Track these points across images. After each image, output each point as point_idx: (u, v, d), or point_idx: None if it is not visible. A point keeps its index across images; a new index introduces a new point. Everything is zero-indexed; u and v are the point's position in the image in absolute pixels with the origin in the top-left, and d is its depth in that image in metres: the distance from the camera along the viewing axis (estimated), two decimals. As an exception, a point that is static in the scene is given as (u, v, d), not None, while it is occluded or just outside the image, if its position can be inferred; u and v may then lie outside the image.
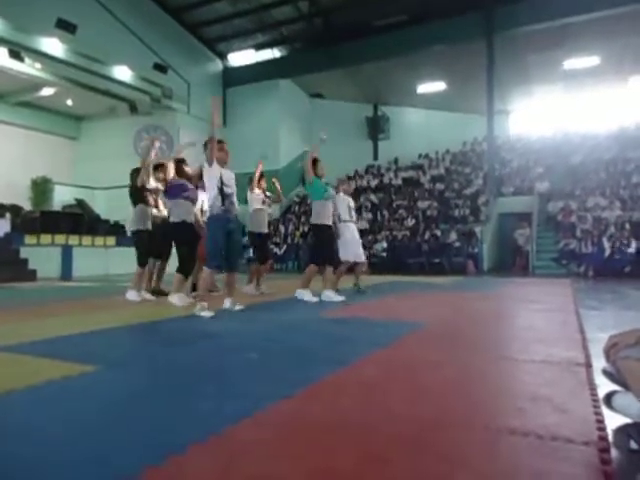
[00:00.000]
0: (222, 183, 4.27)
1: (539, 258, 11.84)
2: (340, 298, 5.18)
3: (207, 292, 4.49)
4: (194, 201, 5.30)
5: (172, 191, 5.10)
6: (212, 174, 4.33)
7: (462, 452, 1.35)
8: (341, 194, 6.12)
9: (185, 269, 5.08)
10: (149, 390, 1.98)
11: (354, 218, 6.18)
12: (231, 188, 4.37)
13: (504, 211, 14.02)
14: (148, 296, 5.59)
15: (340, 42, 15.91)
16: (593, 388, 1.90)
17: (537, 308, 4.81)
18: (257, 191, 6.16)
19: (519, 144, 17.19)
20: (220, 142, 4.49)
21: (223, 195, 4.27)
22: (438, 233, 13.03)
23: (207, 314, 4.06)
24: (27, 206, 12.79)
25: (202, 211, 5.51)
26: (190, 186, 5.22)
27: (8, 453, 1.34)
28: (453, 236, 12.67)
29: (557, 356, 2.49)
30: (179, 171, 5.18)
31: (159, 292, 5.84)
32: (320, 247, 5.38)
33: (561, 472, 1.22)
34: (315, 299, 5.13)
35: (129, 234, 6.03)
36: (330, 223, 5.44)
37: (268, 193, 6.36)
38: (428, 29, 14.44)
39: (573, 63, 14.55)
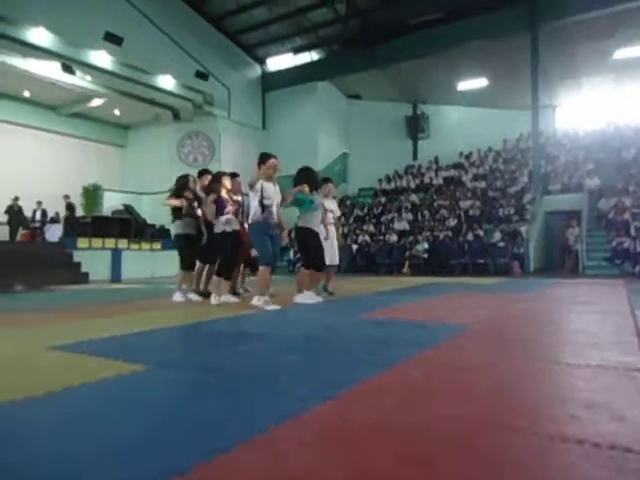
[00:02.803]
0: (263, 196, 4.79)
1: (590, 258, 11.33)
2: (318, 299, 5.31)
3: (266, 288, 4.91)
4: (236, 212, 5.50)
5: (217, 209, 5.34)
6: (256, 188, 4.88)
7: (511, 457, 1.31)
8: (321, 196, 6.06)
9: (224, 272, 5.30)
10: (196, 389, 2.03)
11: (332, 221, 6.16)
12: (271, 200, 4.87)
13: (551, 209, 13.51)
14: (195, 297, 5.75)
15: (377, 42, 15.83)
16: (653, 395, 1.80)
17: (589, 310, 4.60)
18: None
19: (566, 139, 16.52)
20: (269, 156, 4.96)
21: (263, 206, 4.80)
22: (481, 233, 12.70)
23: (273, 307, 4.62)
24: (79, 212, 13.44)
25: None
26: (230, 201, 5.43)
27: (63, 450, 1.41)
28: (497, 236, 12.32)
29: (613, 361, 2.37)
30: (216, 188, 5.38)
31: (206, 294, 6.00)
32: (306, 250, 5.46)
33: (620, 483, 1.16)
34: (319, 299, 5.30)
35: (173, 238, 6.25)
36: (318, 230, 5.49)
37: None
38: (466, 25, 14.13)
39: (624, 53, 13.84)
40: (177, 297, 5.64)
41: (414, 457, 1.30)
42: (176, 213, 5.79)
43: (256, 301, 4.93)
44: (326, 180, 6.27)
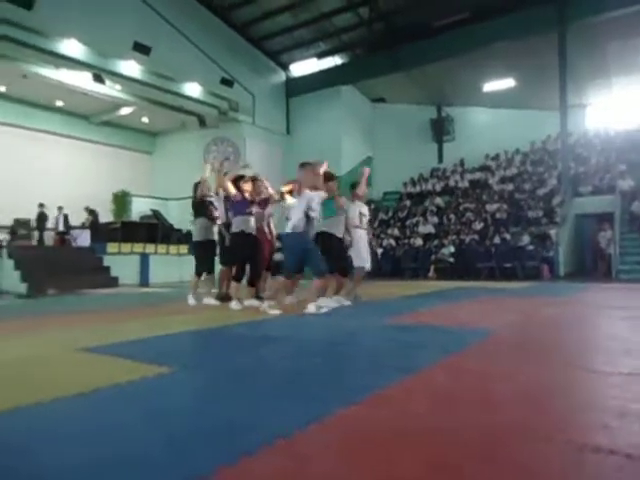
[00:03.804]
0: (309, 208, 4.69)
1: (623, 262, 10.97)
2: (334, 304, 5.12)
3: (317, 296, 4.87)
4: (254, 215, 5.50)
5: (236, 207, 5.35)
6: (302, 197, 4.78)
7: (540, 466, 1.27)
8: (356, 201, 5.91)
9: (249, 278, 5.29)
10: (220, 391, 2.05)
11: (365, 225, 6.01)
12: (316, 212, 4.75)
13: (582, 212, 13.14)
14: (212, 301, 5.81)
15: (401, 45, 15.75)
16: (691, 404, 1.72)
17: (622, 315, 4.45)
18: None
19: (597, 140, 16.05)
20: (308, 164, 4.90)
21: (308, 218, 4.70)
22: (508, 237, 12.45)
23: (324, 310, 4.63)
24: (110, 217, 13.78)
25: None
26: (251, 202, 5.44)
27: (90, 450, 1.44)
28: (525, 239, 12.05)
29: (647, 368, 2.29)
30: (239, 188, 5.40)
31: (227, 298, 6.06)
32: (330, 255, 5.28)
33: (655, 496, 1.11)
34: (334, 305, 5.10)
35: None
36: (341, 236, 5.43)
37: None
38: (492, 25, 13.91)
39: (659, 50, 13.38)
40: (191, 301, 5.74)
41: (444, 464, 1.28)
42: (197, 212, 5.88)
43: (234, 305, 5.08)
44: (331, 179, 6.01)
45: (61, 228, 13.28)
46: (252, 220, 5.41)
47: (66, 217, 13.44)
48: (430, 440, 1.45)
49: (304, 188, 4.74)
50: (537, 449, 1.37)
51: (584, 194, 13.44)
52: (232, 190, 5.34)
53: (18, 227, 13.17)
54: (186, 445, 1.42)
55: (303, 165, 4.91)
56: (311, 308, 4.68)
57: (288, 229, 4.81)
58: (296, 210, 4.77)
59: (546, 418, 1.65)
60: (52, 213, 13.22)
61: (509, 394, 1.95)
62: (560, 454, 1.34)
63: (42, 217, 12.83)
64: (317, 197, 4.76)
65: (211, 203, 5.94)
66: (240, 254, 5.36)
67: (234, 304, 5.19)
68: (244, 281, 5.61)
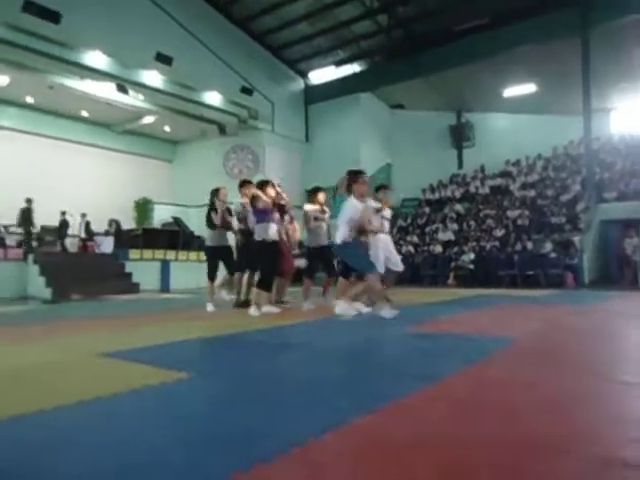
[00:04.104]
0: (350, 218, 4.58)
1: (651, 269, 10.65)
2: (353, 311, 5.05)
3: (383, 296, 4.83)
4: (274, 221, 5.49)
5: (258, 215, 5.34)
6: (348, 206, 4.64)
7: (564, 482, 1.23)
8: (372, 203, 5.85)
9: (264, 284, 5.29)
10: (237, 398, 2.05)
11: (386, 229, 5.94)
12: (358, 220, 4.65)
13: (607, 218, 12.82)
14: (225, 296, 5.95)
15: (420, 51, 15.70)
16: None
17: (650, 325, 4.31)
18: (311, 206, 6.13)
19: (622, 145, 15.68)
20: (360, 173, 4.73)
21: (350, 227, 4.60)
22: (529, 244, 12.22)
23: (391, 314, 4.45)
24: (132, 224, 14.02)
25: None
26: (272, 210, 5.43)
27: (107, 454, 1.45)
28: (548, 246, 11.81)
29: (677, 380, 2.20)
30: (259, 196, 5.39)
31: (245, 304, 6.08)
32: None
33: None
34: (365, 309, 5.10)
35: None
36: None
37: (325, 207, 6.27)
38: (512, 30, 13.76)
39: (685, 52, 13.04)
40: (209, 308, 5.78)
41: (460, 475, 1.24)
42: (211, 224, 5.90)
43: (252, 311, 5.07)
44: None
45: (83, 235, 13.56)
46: (274, 227, 5.38)
47: (88, 224, 13.70)
48: (447, 451, 1.41)
49: (356, 197, 4.61)
50: (559, 462, 1.32)
51: (609, 200, 13.12)
52: (263, 197, 5.31)
53: (44, 234, 13.48)
54: (202, 451, 1.42)
55: (357, 174, 4.75)
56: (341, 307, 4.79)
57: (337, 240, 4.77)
58: (341, 218, 4.70)
59: (570, 430, 1.60)
60: (75, 220, 13.50)
61: (531, 404, 1.89)
62: (584, 468, 1.29)
63: (64, 224, 13.10)
64: (360, 205, 4.66)
65: (228, 210, 5.97)
66: (262, 264, 5.36)
67: (252, 310, 5.18)
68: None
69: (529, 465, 1.31)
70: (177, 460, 1.37)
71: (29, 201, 11.99)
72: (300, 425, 1.64)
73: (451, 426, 1.64)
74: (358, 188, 4.56)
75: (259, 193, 5.34)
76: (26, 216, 12.06)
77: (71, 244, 13.34)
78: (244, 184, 6.09)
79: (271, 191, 5.46)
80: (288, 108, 17.93)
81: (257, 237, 5.35)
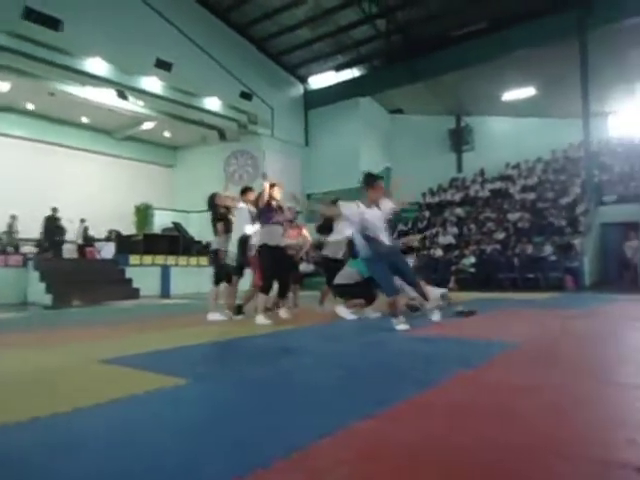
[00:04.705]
0: (364, 227, 4.28)
1: (651, 272, 10.64)
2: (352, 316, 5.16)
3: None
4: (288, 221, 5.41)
5: (263, 216, 5.25)
6: (353, 217, 4.35)
7: (563, 485, 1.22)
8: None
9: (262, 286, 5.20)
10: (236, 403, 2.05)
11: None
12: (373, 228, 4.30)
13: (607, 221, 12.83)
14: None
15: (419, 56, 15.76)
16: None
17: (651, 328, 4.30)
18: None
19: (621, 148, 15.71)
20: (379, 178, 4.48)
21: (367, 239, 4.30)
22: (530, 247, 12.21)
23: (403, 327, 4.19)
24: (132, 230, 14.04)
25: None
26: (279, 211, 5.33)
27: (106, 462, 1.45)
28: (548, 249, 11.81)
29: (677, 382, 2.20)
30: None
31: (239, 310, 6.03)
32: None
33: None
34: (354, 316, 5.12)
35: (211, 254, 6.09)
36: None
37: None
38: (511, 33, 13.82)
39: (684, 55, 13.07)
40: (215, 316, 5.49)
41: (457, 480, 1.25)
42: (216, 230, 5.81)
43: (260, 320, 4.91)
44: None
45: (81, 240, 13.55)
46: (278, 230, 5.25)
47: (86, 229, 13.68)
48: (446, 457, 1.41)
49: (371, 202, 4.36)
50: (559, 465, 1.32)
51: (608, 203, 13.13)
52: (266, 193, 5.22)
53: (45, 240, 13.49)
54: (200, 457, 1.42)
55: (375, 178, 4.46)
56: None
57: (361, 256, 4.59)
58: (353, 233, 4.56)
59: (570, 433, 1.60)
60: (74, 225, 13.49)
61: (531, 408, 1.89)
62: (585, 470, 1.29)
63: (56, 229, 13.05)
64: (373, 211, 4.37)
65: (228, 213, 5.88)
66: (263, 267, 5.24)
67: (260, 318, 4.99)
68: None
69: (529, 469, 1.32)
70: (175, 466, 1.37)
71: (54, 210, 12.59)
72: (299, 430, 1.64)
73: (451, 430, 1.63)
74: (373, 194, 4.33)
75: (265, 190, 5.28)
76: (51, 225, 12.48)
77: (67, 250, 13.28)
78: (246, 191, 6.06)
79: (276, 193, 5.35)
80: (288, 113, 17.99)
81: (260, 241, 5.22)
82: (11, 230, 12.77)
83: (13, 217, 12.85)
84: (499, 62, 14.53)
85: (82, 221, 13.65)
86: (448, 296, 6.00)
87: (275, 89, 17.58)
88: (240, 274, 5.98)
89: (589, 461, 1.35)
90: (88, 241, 13.75)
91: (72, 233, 13.53)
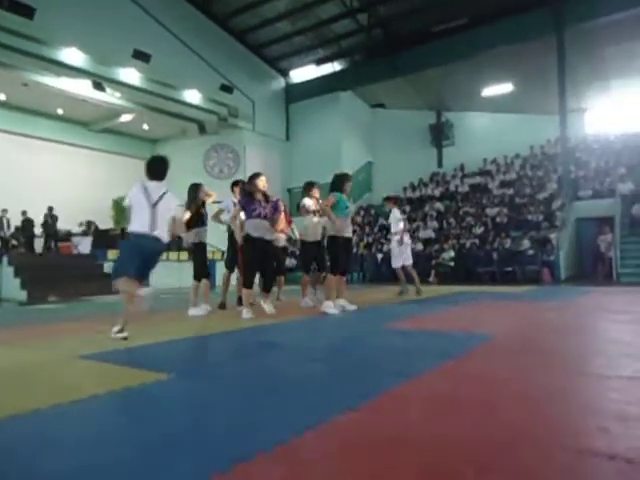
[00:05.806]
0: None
1: (624, 265, 10.95)
2: (352, 307, 5.42)
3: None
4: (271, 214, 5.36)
5: (247, 207, 5.20)
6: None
7: (537, 473, 1.26)
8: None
9: (244, 280, 5.19)
10: (217, 398, 2.04)
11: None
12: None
13: (582, 216, 13.13)
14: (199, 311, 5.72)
15: (400, 51, 15.83)
16: (691, 408, 1.71)
17: (623, 319, 4.44)
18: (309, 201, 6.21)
19: (597, 144, 16.06)
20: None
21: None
22: (508, 241, 12.43)
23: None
24: (110, 224, 13.78)
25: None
26: (263, 203, 5.24)
27: (86, 456, 1.43)
28: (526, 243, 12.04)
29: (647, 372, 2.28)
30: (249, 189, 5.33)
31: (223, 306, 6.04)
32: (336, 258, 5.41)
33: (654, 500, 1.10)
34: (337, 310, 5.16)
35: (185, 245, 6.03)
36: (348, 236, 5.52)
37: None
38: (490, 30, 14.00)
39: (656, 54, 13.42)
40: (197, 311, 5.47)
41: (437, 472, 1.27)
42: (188, 224, 5.73)
43: (244, 314, 4.93)
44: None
45: (47, 231, 13.06)
46: (263, 223, 5.16)
47: (55, 218, 13.12)
48: (428, 446, 1.44)
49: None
50: (536, 454, 1.36)
51: (584, 198, 13.44)
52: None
53: (18, 235, 13.16)
54: (181, 452, 1.42)
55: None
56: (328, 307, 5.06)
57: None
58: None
59: (545, 423, 1.64)
60: (41, 214, 13.04)
61: (509, 399, 1.94)
62: (559, 459, 1.33)
63: (27, 224, 12.70)
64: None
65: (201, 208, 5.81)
66: (251, 261, 5.17)
67: (245, 312, 4.94)
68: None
69: (504, 458, 1.35)
70: (155, 460, 1.37)
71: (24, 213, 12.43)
72: (281, 424, 1.65)
73: (430, 422, 1.66)
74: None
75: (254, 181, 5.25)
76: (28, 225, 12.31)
77: (40, 243, 12.92)
78: (237, 183, 6.15)
79: (261, 184, 5.23)
80: (269, 107, 17.88)
81: (244, 232, 5.17)
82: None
83: (4, 211, 12.39)
84: (479, 58, 14.70)
85: (50, 209, 13.04)
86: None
87: (256, 82, 17.45)
88: (231, 269, 5.98)
89: (563, 449, 1.39)
90: (58, 235, 13.27)
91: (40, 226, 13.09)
